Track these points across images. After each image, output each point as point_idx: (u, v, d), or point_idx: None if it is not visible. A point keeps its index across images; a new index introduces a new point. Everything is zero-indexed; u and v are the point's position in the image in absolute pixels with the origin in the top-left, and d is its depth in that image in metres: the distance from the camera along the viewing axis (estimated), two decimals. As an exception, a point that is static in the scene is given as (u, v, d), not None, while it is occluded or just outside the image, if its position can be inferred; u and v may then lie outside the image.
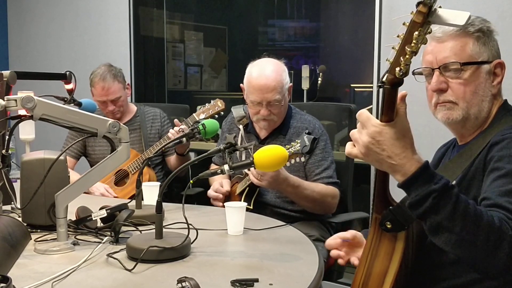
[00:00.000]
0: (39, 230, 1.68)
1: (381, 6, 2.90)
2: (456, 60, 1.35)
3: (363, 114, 1.14)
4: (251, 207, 2.20)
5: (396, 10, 2.83)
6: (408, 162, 1.10)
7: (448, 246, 1.11)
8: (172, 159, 2.85)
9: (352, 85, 4.20)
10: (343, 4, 4.65)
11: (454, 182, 1.33)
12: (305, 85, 3.73)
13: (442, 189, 1.07)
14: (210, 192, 2.30)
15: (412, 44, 1.03)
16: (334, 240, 1.53)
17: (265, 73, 2.23)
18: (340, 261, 1.52)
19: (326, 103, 3.02)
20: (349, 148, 1.18)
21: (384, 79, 1.09)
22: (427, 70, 1.41)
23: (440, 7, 1.03)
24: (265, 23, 4.93)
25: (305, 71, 3.77)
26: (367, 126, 1.12)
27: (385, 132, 1.10)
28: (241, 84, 2.35)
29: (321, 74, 3.86)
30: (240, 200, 2.22)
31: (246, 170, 2.26)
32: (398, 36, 1.06)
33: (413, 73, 1.42)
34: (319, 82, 3.84)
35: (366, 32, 3.14)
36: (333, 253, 1.52)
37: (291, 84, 2.33)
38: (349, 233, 1.52)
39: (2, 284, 0.93)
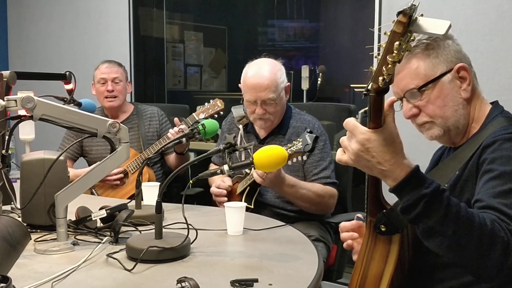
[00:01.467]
0: (39, 230, 1.68)
1: (381, 6, 2.90)
2: (414, 85, 1.36)
3: (350, 122, 1.14)
4: (252, 207, 2.20)
5: (396, 10, 2.81)
6: (398, 167, 1.10)
7: (441, 249, 1.11)
8: (171, 157, 2.86)
9: (351, 85, 4.20)
10: (342, 4, 4.65)
11: (447, 185, 1.33)
12: (305, 85, 3.73)
13: (433, 193, 1.07)
14: (213, 189, 2.31)
15: (394, 54, 1.02)
16: (350, 223, 1.49)
17: (259, 72, 2.24)
18: (349, 242, 1.46)
19: (325, 103, 3.02)
20: (339, 155, 1.19)
21: (369, 87, 1.09)
22: (397, 99, 1.42)
23: (422, 15, 1.02)
24: (264, 23, 4.93)
25: (305, 71, 3.77)
26: (356, 134, 1.12)
27: (373, 139, 1.10)
28: (239, 84, 2.36)
29: (320, 74, 3.86)
30: (241, 200, 2.22)
31: (247, 170, 2.26)
32: (380, 46, 1.05)
33: None
34: (318, 82, 3.84)
35: (366, 32, 3.14)
36: (346, 235, 1.47)
37: (289, 83, 2.34)
38: (359, 214, 1.51)
39: (2, 284, 0.93)
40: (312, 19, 4.79)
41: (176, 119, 2.55)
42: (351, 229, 1.48)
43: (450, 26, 1.03)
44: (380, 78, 1.06)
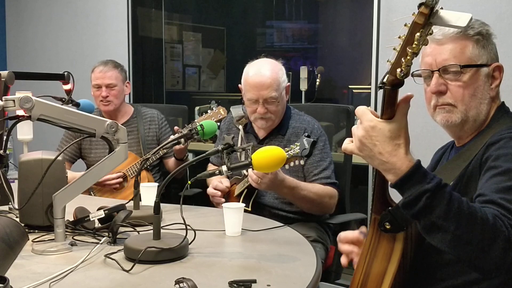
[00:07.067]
0: (36, 231, 1.68)
1: (379, 7, 2.91)
2: (456, 62, 1.36)
3: (359, 108, 1.15)
4: (250, 209, 2.20)
5: (395, 11, 2.84)
6: (399, 161, 1.10)
7: (443, 245, 1.11)
8: (170, 162, 2.84)
9: (350, 86, 4.21)
10: (341, 5, 4.66)
11: (451, 183, 1.33)
12: (303, 86, 3.73)
13: (435, 188, 1.07)
14: (210, 190, 2.30)
15: (414, 45, 1.03)
16: (351, 233, 1.44)
17: (261, 71, 2.25)
18: (343, 260, 1.43)
19: (324, 104, 3.02)
20: (346, 143, 1.19)
21: (384, 79, 1.09)
22: (426, 72, 1.41)
23: (441, 8, 1.03)
24: (263, 24, 4.93)
25: (303, 72, 3.78)
26: (363, 121, 1.13)
27: (378, 128, 1.10)
28: (239, 85, 2.36)
29: (319, 75, 3.87)
30: (239, 202, 2.22)
31: (245, 172, 2.26)
32: (399, 37, 1.05)
33: (412, 75, 1.42)
34: (317, 83, 3.85)
35: (364, 33, 3.15)
36: (346, 248, 1.43)
37: (289, 83, 2.35)
38: (364, 228, 1.46)
39: (0, 285, 0.93)
40: (310, 20, 4.80)
41: (176, 128, 2.53)
42: (351, 241, 1.43)
43: (471, 19, 1.04)
44: (398, 69, 1.05)
